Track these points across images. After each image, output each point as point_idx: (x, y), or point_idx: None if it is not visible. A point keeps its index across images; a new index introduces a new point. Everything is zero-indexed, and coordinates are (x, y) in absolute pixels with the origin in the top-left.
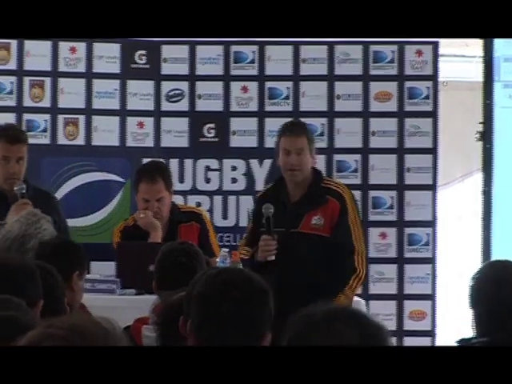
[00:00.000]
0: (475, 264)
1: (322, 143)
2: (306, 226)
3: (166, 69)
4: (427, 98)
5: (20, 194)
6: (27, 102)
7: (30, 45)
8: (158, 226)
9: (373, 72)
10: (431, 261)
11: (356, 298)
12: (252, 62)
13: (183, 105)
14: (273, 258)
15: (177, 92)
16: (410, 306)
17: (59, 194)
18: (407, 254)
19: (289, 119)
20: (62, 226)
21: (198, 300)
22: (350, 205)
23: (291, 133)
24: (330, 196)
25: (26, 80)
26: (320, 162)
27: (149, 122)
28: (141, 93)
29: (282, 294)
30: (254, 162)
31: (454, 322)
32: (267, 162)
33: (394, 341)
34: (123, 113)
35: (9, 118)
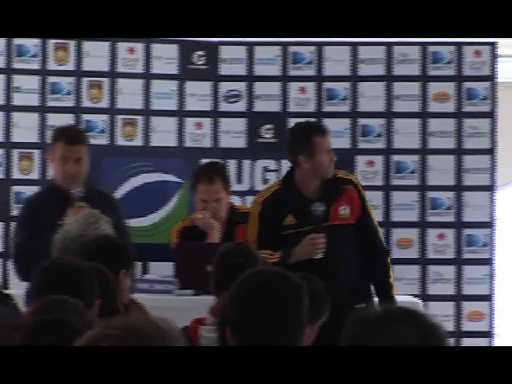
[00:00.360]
0: None
1: (379, 144)
2: (335, 217)
3: (224, 69)
4: (485, 98)
5: (77, 197)
6: (85, 103)
7: (88, 46)
8: (216, 226)
9: (431, 72)
10: (489, 262)
11: (413, 299)
12: (310, 62)
13: (241, 105)
14: (320, 256)
15: (235, 93)
16: (468, 307)
17: (118, 195)
18: (465, 255)
19: (346, 120)
20: (120, 227)
21: (234, 301)
22: (362, 189)
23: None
24: (345, 184)
25: (85, 81)
26: (378, 162)
27: (207, 122)
28: (199, 93)
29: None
30: None
31: None
32: None
33: (452, 342)
34: (181, 113)
35: (67, 119)
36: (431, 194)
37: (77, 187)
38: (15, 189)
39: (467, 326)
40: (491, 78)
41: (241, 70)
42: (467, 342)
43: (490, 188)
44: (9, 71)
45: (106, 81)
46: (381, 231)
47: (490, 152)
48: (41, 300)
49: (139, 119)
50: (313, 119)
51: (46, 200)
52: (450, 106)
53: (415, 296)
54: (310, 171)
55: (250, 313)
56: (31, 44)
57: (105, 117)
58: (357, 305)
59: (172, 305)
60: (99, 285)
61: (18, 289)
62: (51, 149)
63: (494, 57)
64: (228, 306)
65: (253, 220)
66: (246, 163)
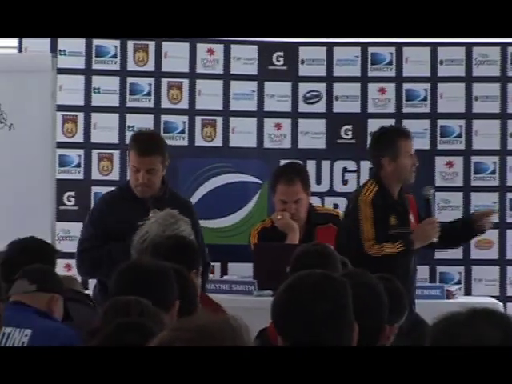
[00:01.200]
0: None
1: (459, 145)
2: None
3: (304, 70)
4: None
5: (153, 204)
6: (165, 104)
7: (167, 46)
8: (295, 227)
9: (511, 73)
10: None
11: (493, 300)
12: (389, 63)
13: (320, 106)
14: (436, 239)
15: (314, 93)
16: None
17: (197, 195)
18: None
19: (426, 121)
20: (195, 229)
21: (292, 302)
22: None
23: None
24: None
25: (164, 81)
26: (457, 163)
27: (286, 123)
28: (278, 94)
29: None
30: None
31: None
32: None
33: None
34: (260, 114)
35: (147, 120)
36: (511, 196)
37: (149, 194)
38: (95, 189)
39: None
40: None
41: (320, 70)
42: None
43: None
44: (88, 72)
45: (185, 81)
46: None
47: None
48: (112, 301)
49: (219, 120)
50: (392, 120)
51: (119, 200)
52: None
53: (494, 297)
54: (393, 174)
55: (308, 314)
56: (111, 45)
57: (184, 118)
58: None
59: (251, 306)
60: (177, 286)
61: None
62: (128, 154)
63: None
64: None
65: (367, 218)
66: (326, 164)
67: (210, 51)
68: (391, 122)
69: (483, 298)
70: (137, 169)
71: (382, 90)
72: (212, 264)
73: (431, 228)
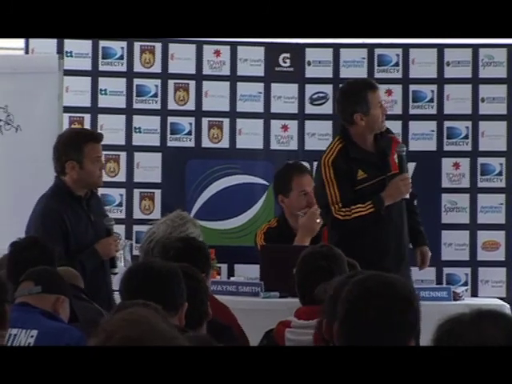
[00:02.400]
0: None
1: (466, 146)
2: (394, 166)
3: (310, 71)
4: None
5: (111, 228)
6: (172, 105)
7: (174, 48)
8: (316, 230)
9: None
10: None
11: (500, 302)
12: (396, 64)
13: (327, 107)
14: (408, 196)
15: (321, 95)
16: None
17: (204, 197)
18: None
19: (433, 122)
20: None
21: (345, 306)
22: None
23: None
24: (389, 133)
25: (171, 83)
26: (464, 165)
27: (293, 124)
28: (285, 96)
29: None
30: None
31: None
32: (411, 165)
33: None
34: (267, 116)
35: (154, 121)
36: None
37: (107, 220)
38: (101, 191)
39: None
40: None
41: (327, 72)
42: None
43: None
44: (95, 73)
45: (192, 83)
46: None
47: None
48: (120, 304)
49: (225, 121)
50: (399, 122)
51: (62, 206)
52: None
53: (501, 299)
54: (366, 127)
55: (359, 320)
56: (117, 46)
57: (191, 119)
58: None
59: (258, 307)
60: (189, 287)
61: None
62: (78, 152)
63: None
64: (329, 309)
65: (328, 182)
66: None
67: (217, 53)
68: (398, 123)
69: (490, 299)
70: (99, 158)
71: (389, 92)
72: (219, 265)
73: (403, 184)
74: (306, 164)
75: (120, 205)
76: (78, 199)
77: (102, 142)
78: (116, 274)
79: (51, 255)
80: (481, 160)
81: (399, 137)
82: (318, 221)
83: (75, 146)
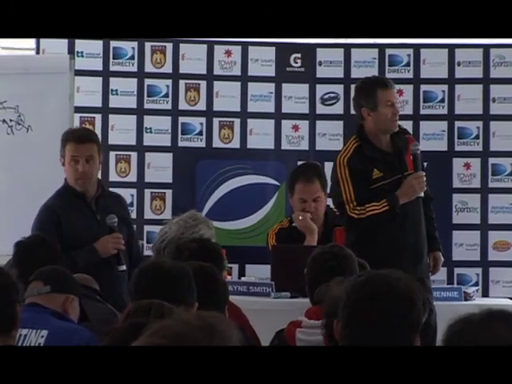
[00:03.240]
0: None
1: (477, 146)
2: (411, 166)
3: (321, 72)
4: None
5: (113, 226)
6: (183, 105)
7: (185, 48)
8: (315, 229)
9: None
10: None
11: (511, 302)
12: (407, 65)
13: (338, 108)
14: (422, 194)
15: (332, 95)
16: None
17: (215, 197)
18: None
19: (444, 122)
20: (131, 222)
21: (346, 309)
22: None
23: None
24: (406, 134)
25: (182, 83)
26: (475, 165)
27: (304, 124)
28: (296, 96)
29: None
30: None
31: None
32: None
33: None
34: (278, 116)
35: (165, 121)
36: None
37: (110, 217)
38: (112, 191)
39: None
40: None
41: (338, 72)
42: None
43: None
44: (106, 74)
45: (203, 83)
46: None
47: None
48: (135, 304)
49: (236, 122)
50: (410, 122)
51: (62, 205)
52: None
53: (510, 298)
54: (374, 124)
55: (362, 321)
56: (128, 46)
57: (202, 119)
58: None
59: (269, 307)
60: (202, 287)
61: None
62: (62, 151)
63: None
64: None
65: (344, 181)
66: None
67: (228, 53)
68: (409, 123)
69: (501, 299)
70: (76, 158)
71: (400, 92)
72: (230, 265)
73: (417, 182)
74: (317, 163)
75: (131, 205)
76: (82, 197)
77: (113, 142)
78: (123, 271)
79: (57, 253)
80: (492, 160)
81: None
82: (301, 218)
83: (62, 145)
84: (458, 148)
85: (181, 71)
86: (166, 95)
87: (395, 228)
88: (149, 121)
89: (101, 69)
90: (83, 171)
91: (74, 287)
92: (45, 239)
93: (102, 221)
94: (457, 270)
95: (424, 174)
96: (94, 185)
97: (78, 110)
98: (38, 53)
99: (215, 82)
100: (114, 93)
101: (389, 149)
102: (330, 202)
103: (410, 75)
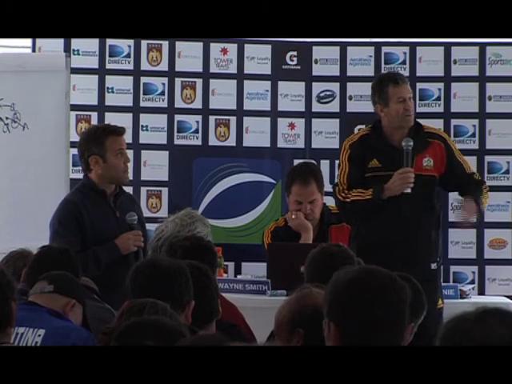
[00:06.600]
0: None
1: (473, 145)
2: (418, 167)
3: (317, 70)
4: None
5: (133, 224)
6: (179, 103)
7: (181, 46)
8: (309, 227)
9: None
10: None
11: (507, 300)
12: (403, 62)
13: (334, 106)
14: (409, 190)
15: (328, 93)
16: None
17: (211, 195)
18: None
19: (439, 120)
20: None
21: (339, 309)
22: (451, 142)
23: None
24: (432, 138)
25: (178, 81)
26: (471, 163)
27: (300, 122)
28: (292, 94)
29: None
30: None
31: None
32: None
33: None
34: (274, 114)
35: (161, 119)
36: None
37: (130, 215)
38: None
39: None
40: None
41: (334, 70)
42: None
43: None
44: (102, 72)
45: (199, 81)
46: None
47: None
48: (130, 302)
49: (232, 120)
50: None
51: (84, 200)
52: None
53: (508, 297)
54: (387, 119)
55: (367, 316)
56: (124, 44)
57: (198, 117)
58: (428, 263)
59: (265, 305)
60: (198, 285)
61: None
62: (98, 148)
63: None
64: (337, 304)
65: (342, 163)
66: None
67: (224, 51)
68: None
69: (497, 297)
70: (122, 151)
71: None
72: (226, 263)
73: (400, 178)
74: (314, 162)
75: None
76: (103, 194)
77: None
78: None
79: (77, 265)
80: (488, 158)
81: None
82: (294, 217)
83: (97, 141)
84: None
85: (177, 69)
86: (162, 93)
87: (382, 222)
88: (145, 119)
89: (97, 67)
90: (126, 166)
91: (78, 293)
92: (69, 250)
93: (121, 218)
94: (453, 268)
95: (411, 170)
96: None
97: (74, 107)
98: (34, 51)
99: (211, 80)
100: (110, 91)
101: (399, 145)
102: (325, 200)
103: (406, 73)
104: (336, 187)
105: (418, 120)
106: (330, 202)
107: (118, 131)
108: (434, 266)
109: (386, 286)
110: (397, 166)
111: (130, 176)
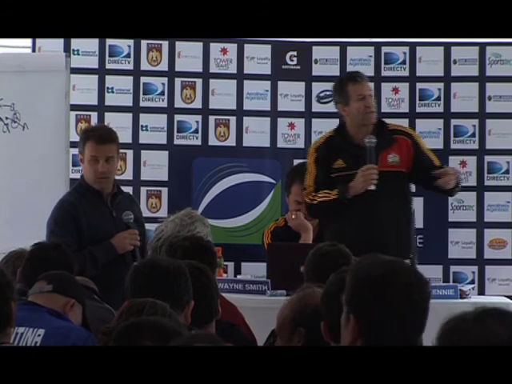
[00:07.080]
0: None
1: (473, 145)
2: (383, 164)
3: (317, 70)
4: None
5: (130, 223)
6: (179, 103)
7: (181, 46)
8: (309, 227)
9: None
10: None
11: (506, 300)
12: (403, 62)
13: (334, 106)
14: (373, 187)
15: (328, 93)
16: None
17: (211, 195)
18: None
19: (439, 120)
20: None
21: (372, 299)
22: (418, 137)
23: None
24: (397, 135)
25: (178, 81)
26: (471, 163)
27: (299, 122)
28: (291, 94)
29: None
30: None
31: None
32: None
33: None
34: (274, 114)
35: (161, 119)
36: None
37: (126, 214)
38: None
39: None
40: None
41: (334, 70)
42: None
43: None
44: (102, 72)
45: (199, 81)
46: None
47: None
48: (129, 302)
49: (232, 120)
50: (406, 120)
51: (80, 200)
52: None
53: (508, 297)
54: (349, 118)
55: (393, 313)
56: (124, 44)
57: (198, 117)
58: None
59: (265, 305)
60: (197, 285)
61: None
62: (81, 149)
63: None
64: (361, 299)
65: (310, 167)
66: None
67: (224, 51)
68: (405, 121)
69: (497, 297)
70: (96, 158)
71: (396, 90)
72: (226, 263)
73: (364, 175)
74: None
75: None
76: (98, 194)
77: None
78: None
79: (71, 260)
80: (488, 158)
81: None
82: (294, 216)
83: (82, 142)
84: (453, 146)
85: (177, 69)
86: (162, 93)
87: (352, 220)
88: (145, 119)
89: (97, 67)
90: (102, 171)
91: (77, 292)
92: (60, 244)
93: (117, 218)
94: (453, 268)
95: (374, 167)
96: (111, 183)
97: (74, 107)
98: (34, 51)
99: (211, 80)
100: (110, 91)
101: (363, 143)
102: None
103: (406, 73)
104: (304, 191)
105: (384, 119)
106: None
107: (98, 140)
108: (407, 262)
109: (412, 285)
110: (362, 164)
111: (130, 176)
